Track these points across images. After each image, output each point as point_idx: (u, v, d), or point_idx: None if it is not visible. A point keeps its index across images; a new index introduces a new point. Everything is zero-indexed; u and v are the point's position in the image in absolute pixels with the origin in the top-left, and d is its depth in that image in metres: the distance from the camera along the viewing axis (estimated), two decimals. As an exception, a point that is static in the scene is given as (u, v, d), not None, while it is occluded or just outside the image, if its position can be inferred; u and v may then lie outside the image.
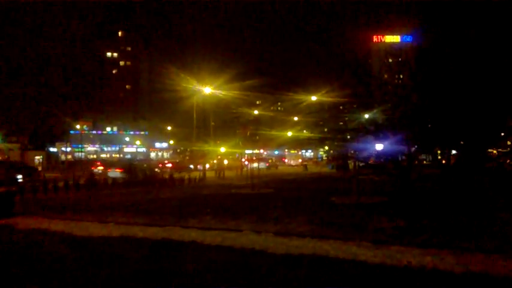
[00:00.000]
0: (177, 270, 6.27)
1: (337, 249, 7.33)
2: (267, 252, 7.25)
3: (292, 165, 72.62)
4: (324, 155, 67.15)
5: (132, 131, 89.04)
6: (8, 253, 7.76)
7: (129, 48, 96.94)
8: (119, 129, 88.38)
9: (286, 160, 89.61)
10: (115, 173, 30.68)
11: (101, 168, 37.77)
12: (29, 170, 34.31)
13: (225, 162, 51.97)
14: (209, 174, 37.16)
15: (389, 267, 6.24)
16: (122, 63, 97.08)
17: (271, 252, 7.27)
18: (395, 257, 6.76)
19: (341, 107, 20.64)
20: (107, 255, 7.30)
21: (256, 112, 74.28)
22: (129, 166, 32.33)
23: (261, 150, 78.61)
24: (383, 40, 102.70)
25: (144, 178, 27.60)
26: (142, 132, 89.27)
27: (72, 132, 74.94)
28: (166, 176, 29.37)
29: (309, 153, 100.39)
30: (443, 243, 7.70)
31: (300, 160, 77.34)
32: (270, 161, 69.60)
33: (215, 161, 54.77)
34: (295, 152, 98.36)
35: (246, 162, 41.17)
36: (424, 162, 25.16)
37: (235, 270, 6.18)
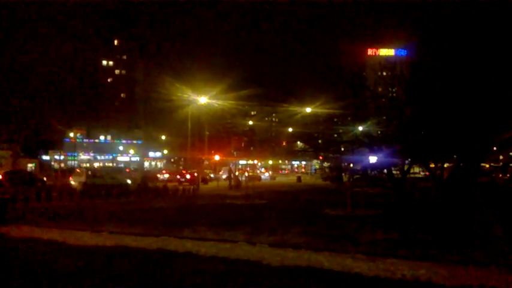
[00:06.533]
0: (172, 281, 6.25)
1: (331, 261, 7.35)
2: (262, 264, 7.25)
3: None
4: (318, 166, 67.28)
5: (126, 139, 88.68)
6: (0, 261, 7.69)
7: (124, 57, 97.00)
8: (113, 138, 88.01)
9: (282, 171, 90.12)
10: None
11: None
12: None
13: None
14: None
15: (383, 279, 6.27)
16: (117, 71, 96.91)
17: (266, 263, 7.27)
18: (389, 269, 6.79)
19: (335, 119, 20.71)
20: (100, 265, 7.25)
21: (251, 122, 74.34)
22: None
23: (255, 161, 78.67)
24: (377, 53, 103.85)
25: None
26: (136, 142, 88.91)
27: (65, 140, 74.52)
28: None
29: (303, 165, 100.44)
30: (437, 256, 7.76)
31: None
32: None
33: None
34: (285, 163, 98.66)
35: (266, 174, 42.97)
36: (420, 174, 25.30)
37: (230, 282, 6.18)
